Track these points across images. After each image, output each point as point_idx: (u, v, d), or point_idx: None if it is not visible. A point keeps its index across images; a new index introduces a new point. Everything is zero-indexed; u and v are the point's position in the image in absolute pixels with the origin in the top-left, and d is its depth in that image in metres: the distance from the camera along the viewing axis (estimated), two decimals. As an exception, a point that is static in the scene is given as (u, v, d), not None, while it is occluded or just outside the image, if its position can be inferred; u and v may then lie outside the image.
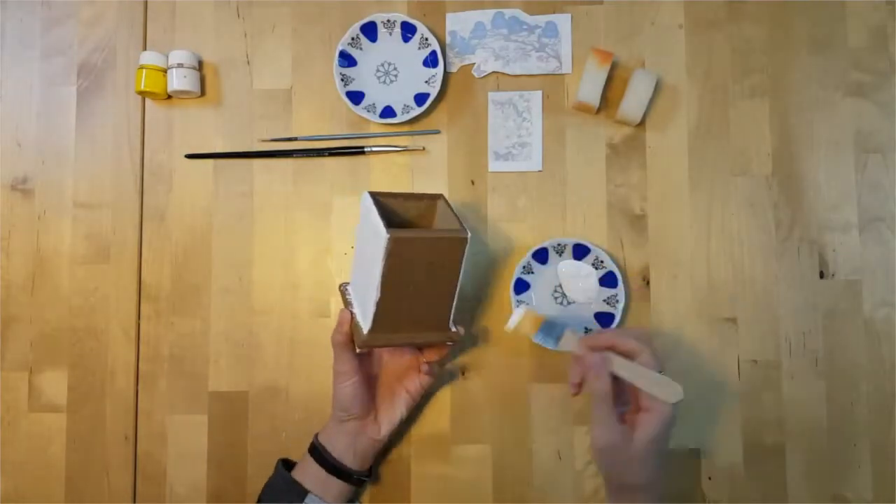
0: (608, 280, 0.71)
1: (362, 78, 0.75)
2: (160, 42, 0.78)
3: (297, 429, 0.73)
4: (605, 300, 0.71)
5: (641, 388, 0.58)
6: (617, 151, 0.74)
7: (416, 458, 0.73)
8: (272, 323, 0.75)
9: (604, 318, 0.71)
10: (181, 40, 0.78)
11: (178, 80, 0.74)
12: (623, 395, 0.60)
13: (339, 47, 0.74)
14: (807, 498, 0.70)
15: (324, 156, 0.75)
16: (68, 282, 0.76)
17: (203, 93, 0.77)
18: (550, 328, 0.62)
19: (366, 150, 0.75)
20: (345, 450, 0.66)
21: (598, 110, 0.73)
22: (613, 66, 0.73)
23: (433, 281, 0.59)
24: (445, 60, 0.74)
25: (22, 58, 0.79)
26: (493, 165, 0.74)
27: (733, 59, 0.74)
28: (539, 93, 0.75)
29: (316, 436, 0.68)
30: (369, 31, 0.75)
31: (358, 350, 0.66)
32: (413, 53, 0.75)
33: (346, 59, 0.75)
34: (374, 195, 0.62)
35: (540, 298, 0.72)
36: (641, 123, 0.73)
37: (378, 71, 0.76)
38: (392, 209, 0.63)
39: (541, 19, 0.75)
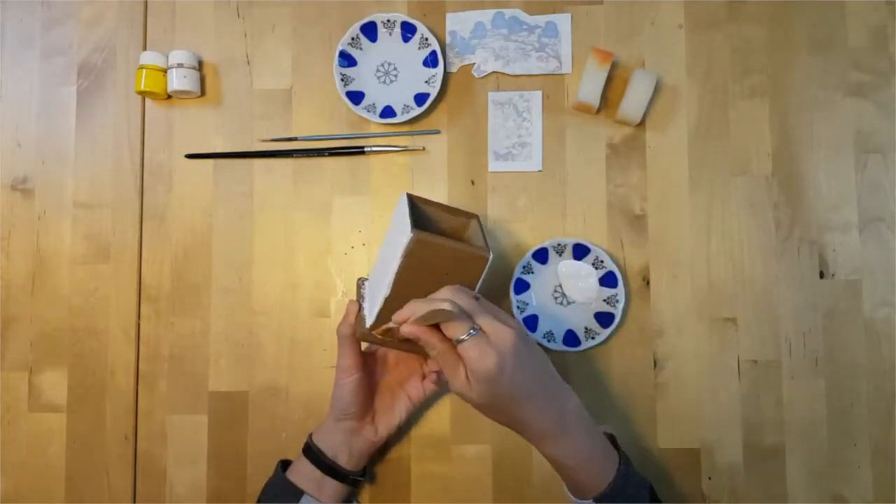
0: (608, 280, 0.71)
1: (362, 78, 0.75)
2: (160, 42, 0.78)
3: (297, 429, 0.73)
4: (605, 300, 0.71)
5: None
6: (617, 151, 0.74)
7: (416, 458, 0.73)
8: (272, 323, 0.75)
9: (604, 318, 0.71)
10: (181, 40, 0.78)
11: (178, 80, 0.74)
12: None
13: (339, 47, 0.74)
14: (807, 498, 0.70)
15: (324, 156, 0.75)
16: (68, 282, 0.76)
17: (203, 93, 0.77)
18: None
19: (366, 150, 0.75)
20: (340, 449, 0.66)
21: (598, 110, 0.73)
22: (613, 66, 0.73)
23: (441, 286, 0.59)
24: (445, 60, 0.74)
25: (22, 58, 0.79)
26: (493, 165, 0.74)
27: (733, 59, 0.74)
28: (539, 93, 0.75)
29: (310, 436, 0.68)
30: (369, 31, 0.75)
31: (360, 340, 0.65)
32: (413, 53, 0.75)
33: (346, 59, 0.75)
34: (411, 197, 0.61)
35: (540, 298, 0.72)
36: (641, 123, 0.73)
37: (378, 71, 0.76)
38: (427, 216, 0.63)
39: (541, 19, 0.75)
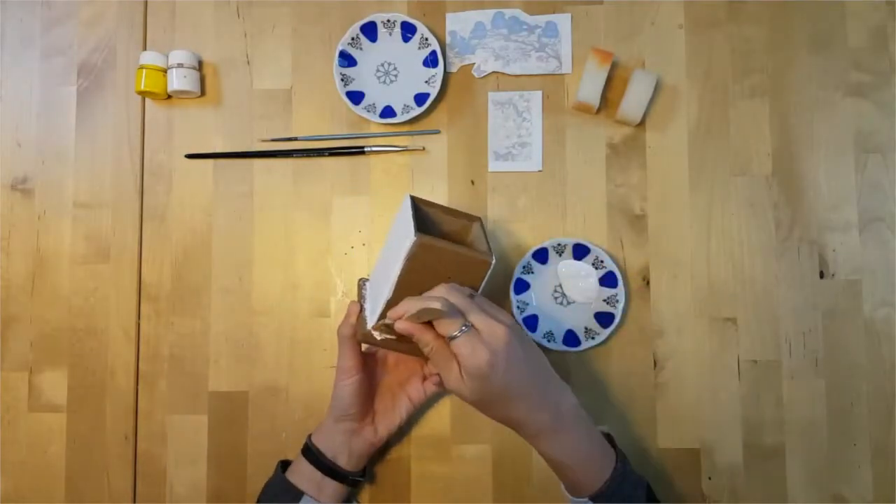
0: (608, 280, 0.71)
1: (362, 78, 0.75)
2: (160, 42, 0.78)
3: (297, 429, 0.73)
4: (605, 300, 0.71)
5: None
6: (617, 151, 0.74)
7: (416, 458, 0.73)
8: (272, 323, 0.75)
9: (604, 318, 0.71)
10: (181, 40, 0.78)
11: (178, 80, 0.74)
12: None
13: (339, 47, 0.74)
14: (807, 498, 0.70)
15: (324, 156, 0.75)
16: (68, 282, 0.76)
17: (203, 93, 0.77)
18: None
19: (366, 150, 0.75)
20: (340, 450, 0.66)
21: (598, 110, 0.73)
22: (613, 66, 0.73)
23: None
24: (445, 60, 0.74)
25: (22, 58, 0.79)
26: (493, 165, 0.74)
27: (733, 59, 0.74)
28: (539, 93, 0.75)
29: (309, 437, 0.67)
30: (369, 31, 0.75)
31: (362, 345, 0.65)
32: (413, 53, 0.75)
33: (346, 59, 0.75)
34: (414, 199, 0.62)
35: (540, 298, 0.72)
36: (641, 123, 0.73)
37: (378, 71, 0.76)
38: (429, 218, 0.63)
39: (541, 19, 0.75)
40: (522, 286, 0.72)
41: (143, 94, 0.76)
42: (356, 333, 0.64)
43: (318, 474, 0.65)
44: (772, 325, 0.72)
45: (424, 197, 0.64)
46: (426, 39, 0.74)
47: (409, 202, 0.60)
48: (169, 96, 0.77)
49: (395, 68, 0.76)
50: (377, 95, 0.75)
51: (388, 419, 0.67)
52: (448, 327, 0.55)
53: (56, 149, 0.78)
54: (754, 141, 0.73)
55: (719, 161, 0.73)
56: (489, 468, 0.72)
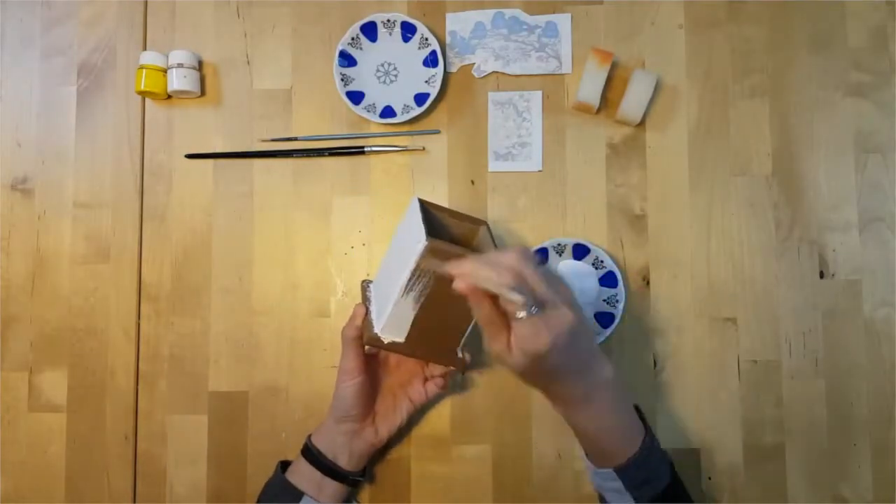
0: (608, 280, 0.71)
1: (362, 78, 0.75)
2: (160, 42, 0.78)
3: (297, 429, 0.73)
4: (605, 300, 0.71)
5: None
6: (617, 151, 0.74)
7: (416, 458, 0.73)
8: (272, 323, 0.75)
9: (604, 318, 0.71)
10: (181, 40, 0.78)
11: (178, 80, 0.74)
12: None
13: (339, 47, 0.74)
14: (807, 498, 0.70)
15: (324, 156, 0.75)
16: (68, 282, 0.76)
17: (203, 93, 0.77)
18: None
19: (366, 150, 0.75)
20: (340, 450, 0.66)
21: (598, 110, 0.73)
22: (613, 66, 0.73)
23: (454, 302, 0.58)
24: (445, 60, 0.74)
25: (22, 58, 0.79)
26: (493, 165, 0.74)
27: (733, 59, 0.74)
28: (539, 93, 0.75)
29: (309, 437, 0.68)
30: (369, 30, 0.75)
31: (366, 347, 0.65)
32: (413, 53, 0.75)
33: (346, 59, 0.75)
34: (422, 202, 0.62)
35: (540, 298, 0.72)
36: (641, 123, 0.73)
37: (378, 71, 0.76)
38: (437, 222, 0.63)
39: (541, 19, 0.75)
40: (522, 286, 0.72)
41: (143, 94, 0.76)
42: (361, 336, 0.64)
43: (318, 474, 0.65)
44: (772, 325, 0.72)
45: (424, 197, 0.64)
46: (426, 39, 0.74)
47: (416, 205, 0.60)
48: (169, 96, 0.77)
49: (395, 68, 0.76)
50: (377, 95, 0.75)
51: (388, 420, 0.67)
52: (514, 306, 0.51)
53: (56, 149, 0.78)
54: (754, 141, 0.73)
55: (719, 161, 0.73)
56: (489, 468, 0.72)
